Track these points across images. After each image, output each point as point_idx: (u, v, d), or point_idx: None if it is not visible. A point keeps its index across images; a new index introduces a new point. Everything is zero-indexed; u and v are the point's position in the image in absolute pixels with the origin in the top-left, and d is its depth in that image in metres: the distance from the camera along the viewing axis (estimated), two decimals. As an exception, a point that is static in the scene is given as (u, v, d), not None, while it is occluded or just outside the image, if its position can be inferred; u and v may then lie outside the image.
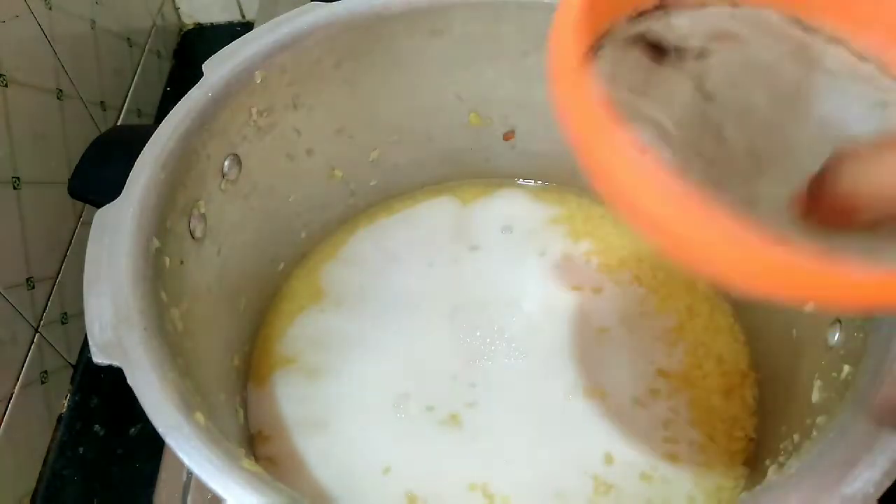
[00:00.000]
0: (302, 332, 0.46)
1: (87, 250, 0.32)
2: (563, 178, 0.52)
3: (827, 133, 0.21)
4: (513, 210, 0.51)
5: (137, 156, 0.34)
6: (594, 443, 0.40)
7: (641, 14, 0.22)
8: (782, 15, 0.22)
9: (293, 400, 0.43)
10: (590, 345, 0.44)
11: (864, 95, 0.21)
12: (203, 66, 0.38)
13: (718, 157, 0.20)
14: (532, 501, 0.39)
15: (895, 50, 0.20)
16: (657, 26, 0.22)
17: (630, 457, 0.40)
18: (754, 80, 0.21)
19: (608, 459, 0.40)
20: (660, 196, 0.16)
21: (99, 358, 0.29)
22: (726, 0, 0.21)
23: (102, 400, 0.53)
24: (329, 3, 0.41)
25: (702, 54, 0.21)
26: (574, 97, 0.17)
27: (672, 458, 0.40)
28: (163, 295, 0.32)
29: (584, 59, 0.18)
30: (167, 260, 0.33)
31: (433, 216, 0.51)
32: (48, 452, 0.50)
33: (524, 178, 0.53)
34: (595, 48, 0.21)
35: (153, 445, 0.43)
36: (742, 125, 0.21)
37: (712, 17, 0.22)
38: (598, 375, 0.43)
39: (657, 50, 0.21)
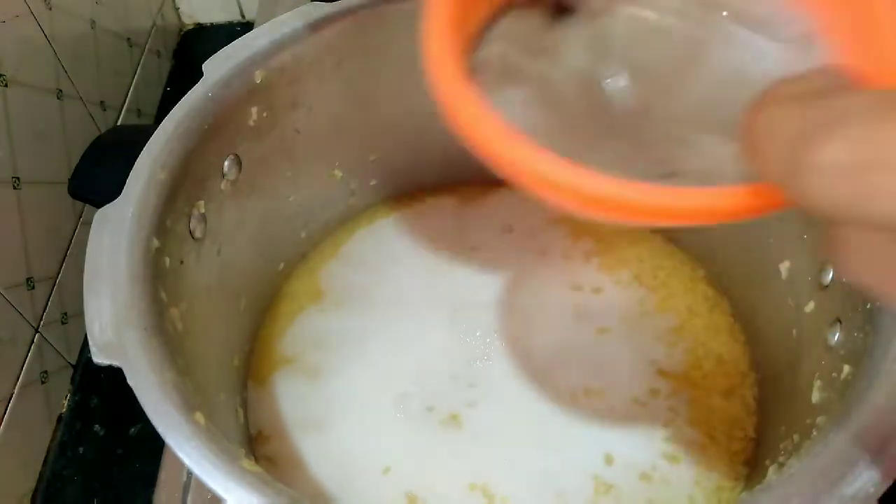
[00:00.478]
0: (302, 331, 0.46)
1: (87, 250, 0.32)
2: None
3: (724, 93, 0.22)
4: (513, 210, 0.51)
5: (137, 156, 0.34)
6: (594, 443, 0.40)
7: None
8: None
9: (293, 400, 0.43)
10: (590, 345, 0.44)
11: (763, 53, 0.22)
12: (203, 66, 0.38)
13: (601, 111, 0.22)
14: (532, 502, 0.39)
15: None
16: None
17: (630, 457, 0.40)
18: (653, 39, 0.23)
19: (608, 460, 0.40)
20: (499, 144, 0.19)
21: (99, 358, 0.29)
22: None
23: (102, 400, 0.53)
24: (329, 3, 0.41)
25: (602, 12, 0.23)
26: (440, 72, 0.20)
27: (672, 458, 0.40)
28: (163, 295, 0.32)
29: (452, 36, 0.20)
30: (167, 260, 0.33)
31: (433, 216, 0.51)
32: (48, 452, 0.51)
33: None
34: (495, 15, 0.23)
35: (153, 445, 0.43)
36: (636, 82, 0.23)
37: None
38: (599, 375, 0.43)
39: (559, 8, 0.23)
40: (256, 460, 0.40)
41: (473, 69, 0.23)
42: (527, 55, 0.23)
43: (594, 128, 0.22)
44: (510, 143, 0.19)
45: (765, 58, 0.22)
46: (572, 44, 0.23)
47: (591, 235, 0.50)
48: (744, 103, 0.17)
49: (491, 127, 0.19)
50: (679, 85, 0.23)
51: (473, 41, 0.23)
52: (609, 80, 0.23)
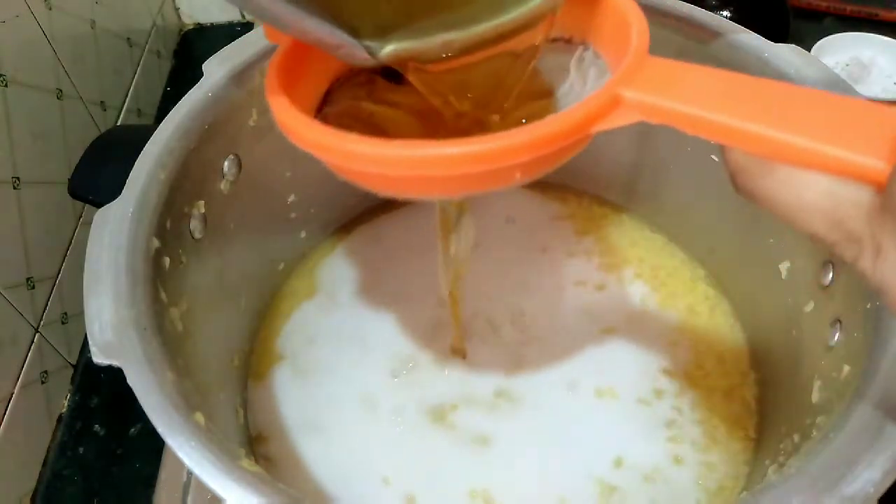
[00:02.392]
0: (301, 331, 0.46)
1: (87, 250, 0.32)
2: (564, 179, 0.52)
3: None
4: (513, 210, 0.51)
5: (137, 156, 0.34)
6: (598, 445, 0.40)
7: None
8: None
9: (292, 400, 0.43)
10: (592, 344, 0.44)
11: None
12: (203, 66, 0.38)
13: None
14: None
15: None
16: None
17: (634, 458, 0.40)
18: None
19: (612, 462, 0.40)
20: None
21: (99, 358, 0.29)
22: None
23: (102, 400, 0.53)
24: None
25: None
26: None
27: (675, 458, 0.40)
28: (163, 295, 0.32)
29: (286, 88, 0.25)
30: (167, 260, 0.33)
31: (434, 214, 0.51)
32: (48, 452, 0.51)
33: (527, 182, 0.52)
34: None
35: (153, 445, 0.43)
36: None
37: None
38: (602, 375, 0.43)
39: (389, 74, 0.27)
40: (256, 460, 0.40)
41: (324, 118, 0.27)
42: (370, 102, 0.28)
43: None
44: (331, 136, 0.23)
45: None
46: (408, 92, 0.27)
47: (593, 234, 0.50)
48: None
49: (312, 128, 0.24)
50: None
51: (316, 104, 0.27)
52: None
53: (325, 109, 0.27)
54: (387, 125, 0.28)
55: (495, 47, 0.26)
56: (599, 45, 0.27)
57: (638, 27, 0.23)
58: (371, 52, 0.25)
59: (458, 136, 0.21)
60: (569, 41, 0.28)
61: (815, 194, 0.18)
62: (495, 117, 0.27)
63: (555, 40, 0.28)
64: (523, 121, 0.26)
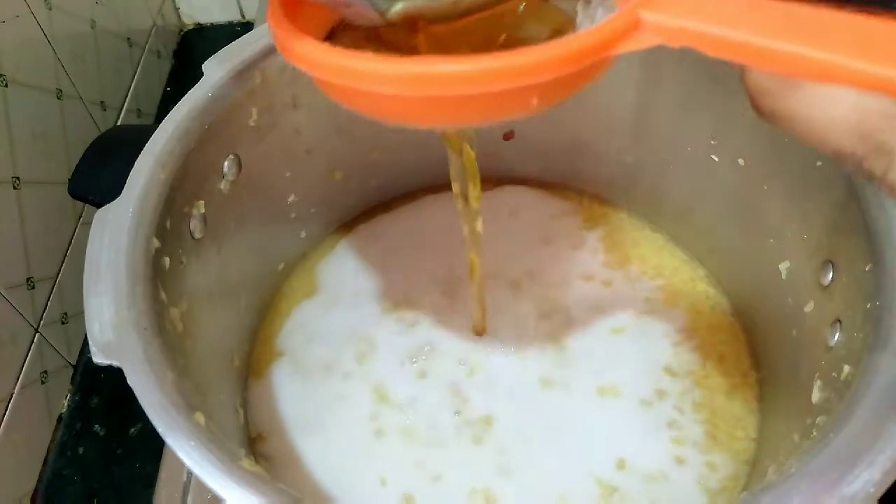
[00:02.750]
0: (302, 330, 0.46)
1: (88, 250, 0.32)
2: (565, 178, 0.52)
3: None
4: (515, 204, 0.51)
5: (137, 156, 0.34)
6: (600, 444, 0.40)
7: None
8: None
9: (292, 399, 0.43)
10: (594, 342, 0.44)
11: None
12: (203, 66, 0.38)
13: None
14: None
15: None
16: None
17: (636, 459, 0.39)
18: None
19: (614, 461, 0.39)
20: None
21: (99, 358, 0.29)
22: None
23: (102, 400, 0.53)
24: (329, 3, 0.41)
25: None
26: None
27: (677, 459, 0.40)
28: (163, 295, 0.32)
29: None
30: (167, 260, 0.33)
31: (434, 213, 0.51)
32: (48, 452, 0.51)
33: (525, 179, 0.53)
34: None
35: (153, 445, 0.43)
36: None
37: None
38: (605, 374, 0.43)
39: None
40: (255, 459, 0.40)
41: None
42: (375, 44, 0.27)
43: None
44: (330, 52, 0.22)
45: None
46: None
47: (594, 232, 0.50)
48: None
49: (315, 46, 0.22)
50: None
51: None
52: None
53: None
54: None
55: (504, 3, 0.26)
56: None
57: None
58: (379, 10, 0.24)
59: None
60: None
61: (843, 109, 0.18)
62: None
63: None
64: None
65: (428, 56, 0.21)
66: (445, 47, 0.26)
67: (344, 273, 0.49)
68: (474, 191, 0.36)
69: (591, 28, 0.21)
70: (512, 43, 0.27)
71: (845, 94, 0.18)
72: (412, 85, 0.21)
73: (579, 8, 0.27)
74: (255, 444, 0.41)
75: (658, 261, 0.49)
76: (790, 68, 0.19)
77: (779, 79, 0.19)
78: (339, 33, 0.27)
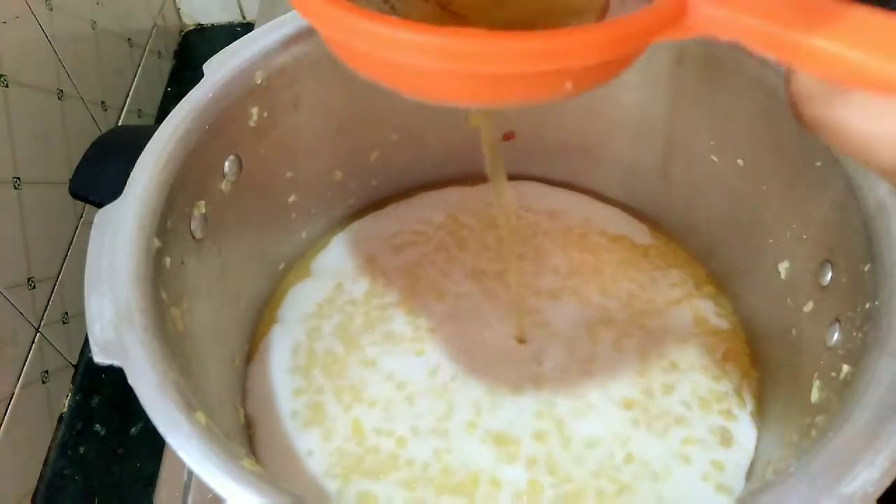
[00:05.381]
0: (301, 329, 0.46)
1: (88, 250, 0.32)
2: (565, 177, 0.52)
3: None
4: (519, 202, 0.52)
5: (138, 156, 0.34)
6: (607, 442, 0.40)
7: None
8: None
9: (292, 396, 0.43)
10: (599, 340, 0.44)
11: None
12: (203, 66, 0.38)
13: None
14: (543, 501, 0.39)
15: None
16: None
17: (643, 456, 0.40)
18: None
19: (621, 459, 0.40)
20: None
21: (100, 358, 0.29)
22: None
23: (103, 399, 0.53)
24: (329, 4, 0.41)
25: None
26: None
27: (683, 457, 0.40)
28: (163, 295, 0.32)
29: None
30: (168, 260, 0.33)
31: (435, 205, 0.52)
32: (49, 452, 0.51)
33: (525, 179, 0.53)
34: None
35: (154, 445, 0.44)
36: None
37: None
38: (610, 373, 0.43)
39: None
40: (252, 450, 0.40)
41: None
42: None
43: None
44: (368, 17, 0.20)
45: None
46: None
47: (595, 230, 0.50)
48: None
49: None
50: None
51: None
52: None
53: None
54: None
55: None
56: None
57: None
58: None
59: None
60: None
61: (891, 124, 0.17)
62: None
63: None
64: None
65: (463, 28, 0.19)
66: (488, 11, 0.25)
67: (343, 263, 0.49)
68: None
69: (632, 12, 0.20)
70: (544, 14, 0.25)
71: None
72: (444, 58, 0.19)
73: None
74: (252, 436, 0.41)
75: (662, 259, 0.49)
76: (843, 75, 0.18)
77: (826, 85, 0.18)
78: None
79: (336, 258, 0.49)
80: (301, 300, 0.47)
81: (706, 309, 0.46)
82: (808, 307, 0.37)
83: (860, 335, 0.31)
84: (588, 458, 0.40)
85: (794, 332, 0.38)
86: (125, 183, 0.34)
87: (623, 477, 0.39)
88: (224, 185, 0.39)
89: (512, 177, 0.53)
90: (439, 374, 0.43)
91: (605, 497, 0.38)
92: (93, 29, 0.61)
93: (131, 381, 0.28)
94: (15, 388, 0.47)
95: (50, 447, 0.51)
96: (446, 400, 0.42)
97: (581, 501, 0.38)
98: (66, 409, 0.52)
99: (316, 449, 0.40)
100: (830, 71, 0.18)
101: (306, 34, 0.40)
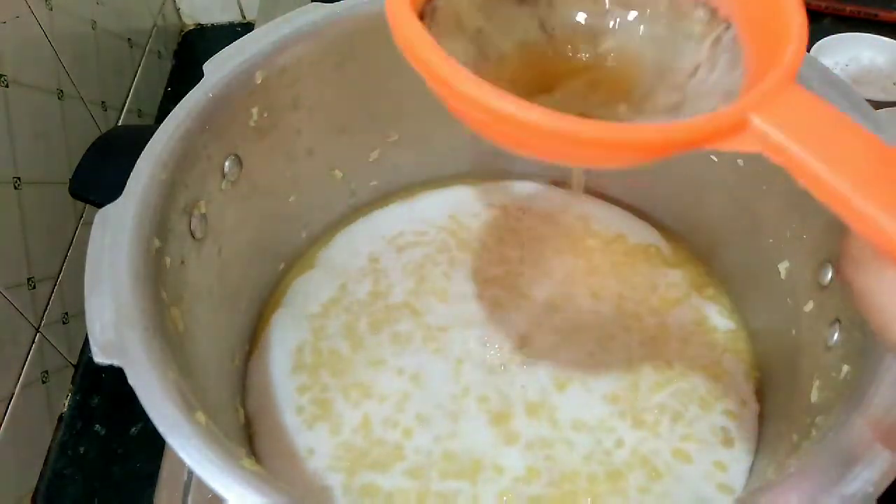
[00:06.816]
0: (305, 327, 0.46)
1: (88, 250, 0.32)
2: (565, 177, 0.52)
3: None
4: (516, 199, 0.52)
5: (138, 156, 0.35)
6: (605, 439, 0.40)
7: None
8: None
9: (296, 393, 0.43)
10: (601, 340, 0.44)
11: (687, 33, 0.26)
12: (203, 66, 0.38)
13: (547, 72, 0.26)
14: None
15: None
16: None
17: (641, 454, 0.40)
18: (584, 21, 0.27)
19: (621, 458, 0.40)
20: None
21: (100, 358, 0.29)
22: None
23: (103, 399, 0.53)
24: (329, 3, 0.41)
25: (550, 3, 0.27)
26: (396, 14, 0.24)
27: (683, 456, 0.40)
28: (163, 295, 0.32)
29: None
30: (168, 260, 0.33)
31: (436, 205, 0.52)
32: (49, 452, 0.51)
33: (525, 179, 0.53)
34: None
35: (154, 445, 0.43)
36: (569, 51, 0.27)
37: None
38: (610, 371, 0.43)
39: None
40: (252, 449, 0.40)
41: (423, 14, 0.25)
42: (477, 13, 0.26)
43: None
44: (466, 79, 0.20)
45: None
46: (522, 16, 0.27)
47: (596, 229, 0.50)
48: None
49: (444, 63, 0.21)
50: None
51: None
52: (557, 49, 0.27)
53: (433, 2, 0.25)
54: (489, 49, 0.26)
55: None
56: (744, 32, 0.24)
57: (796, 45, 0.20)
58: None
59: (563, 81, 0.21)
60: (714, 12, 0.25)
61: None
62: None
63: (699, 3, 0.25)
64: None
65: (539, 108, 0.19)
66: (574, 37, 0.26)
67: (343, 260, 0.49)
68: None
69: (697, 116, 0.20)
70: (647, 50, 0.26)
71: None
72: (529, 132, 0.20)
73: (706, 46, 0.25)
74: (252, 434, 0.41)
75: (663, 259, 0.49)
76: (887, 245, 0.16)
77: (872, 252, 0.17)
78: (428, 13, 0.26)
79: (339, 254, 0.49)
80: (304, 297, 0.47)
81: (706, 309, 0.46)
82: (808, 307, 0.37)
83: (860, 335, 0.31)
84: (587, 458, 0.40)
85: (794, 332, 0.38)
86: (125, 183, 0.34)
87: (622, 475, 0.39)
88: (224, 185, 0.39)
89: (512, 177, 0.53)
90: (442, 374, 0.43)
91: (597, 483, 0.39)
92: (93, 29, 0.61)
93: (131, 381, 0.28)
94: (15, 388, 0.47)
95: (50, 447, 0.51)
96: (446, 398, 0.42)
97: (575, 484, 0.39)
98: (66, 409, 0.52)
99: (319, 445, 0.40)
100: (882, 242, 0.16)
101: (306, 34, 0.40)
